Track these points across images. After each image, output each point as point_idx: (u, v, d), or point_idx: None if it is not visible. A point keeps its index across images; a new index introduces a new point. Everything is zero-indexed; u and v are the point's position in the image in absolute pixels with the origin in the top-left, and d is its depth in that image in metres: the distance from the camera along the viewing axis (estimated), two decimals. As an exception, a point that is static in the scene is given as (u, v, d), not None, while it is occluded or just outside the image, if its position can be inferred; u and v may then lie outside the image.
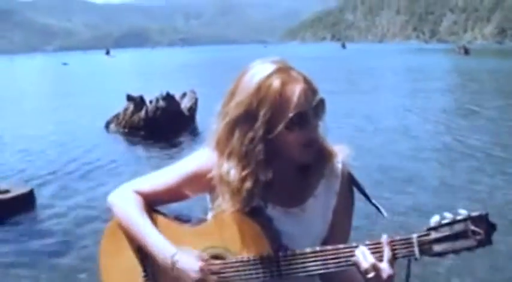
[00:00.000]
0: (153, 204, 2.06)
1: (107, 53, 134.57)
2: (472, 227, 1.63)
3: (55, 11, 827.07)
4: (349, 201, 2.02)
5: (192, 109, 18.62)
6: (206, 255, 1.89)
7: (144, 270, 2.01)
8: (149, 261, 1.98)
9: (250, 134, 1.79)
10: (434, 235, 1.68)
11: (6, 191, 9.09)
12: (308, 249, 1.80)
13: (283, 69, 1.82)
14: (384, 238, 1.74)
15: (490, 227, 1.65)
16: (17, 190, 9.20)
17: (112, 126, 17.91)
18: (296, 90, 1.79)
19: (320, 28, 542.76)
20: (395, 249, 1.73)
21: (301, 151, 1.84)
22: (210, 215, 2.01)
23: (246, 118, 1.80)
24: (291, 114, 1.76)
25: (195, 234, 1.94)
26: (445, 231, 1.66)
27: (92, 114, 21.17)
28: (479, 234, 1.63)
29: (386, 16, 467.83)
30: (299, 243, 1.87)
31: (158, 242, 1.92)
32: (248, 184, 1.83)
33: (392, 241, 1.73)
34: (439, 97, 25.42)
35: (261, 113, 1.77)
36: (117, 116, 17.96)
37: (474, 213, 1.65)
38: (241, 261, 1.85)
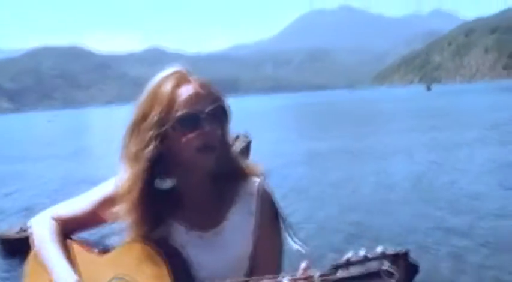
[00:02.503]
0: (71, 230, 2.00)
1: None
2: (386, 267, 1.42)
3: (146, 63, 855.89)
4: (272, 223, 1.88)
5: (243, 152, 19.49)
6: None
7: None
8: None
9: (142, 135, 1.75)
10: (340, 274, 1.47)
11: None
12: None
13: (180, 73, 1.81)
14: (281, 276, 1.57)
15: (411, 268, 1.44)
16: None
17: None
18: (187, 92, 1.75)
19: (408, 71, 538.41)
20: None
21: (196, 156, 1.75)
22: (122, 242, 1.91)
23: (141, 120, 1.77)
24: (177, 114, 1.72)
25: (104, 263, 1.87)
26: (355, 271, 1.45)
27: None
28: (393, 275, 1.41)
29: (474, 56, 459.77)
30: (213, 273, 1.79)
31: (61, 273, 1.86)
32: (134, 187, 1.77)
33: (293, 279, 1.53)
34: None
35: (152, 113, 1.74)
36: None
37: (390, 251, 1.44)
38: None
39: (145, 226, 1.80)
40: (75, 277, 1.84)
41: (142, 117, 1.76)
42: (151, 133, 1.73)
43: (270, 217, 1.88)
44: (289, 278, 1.54)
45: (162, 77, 1.80)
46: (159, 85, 1.78)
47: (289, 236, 1.83)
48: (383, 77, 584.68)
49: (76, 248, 1.96)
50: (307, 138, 27.99)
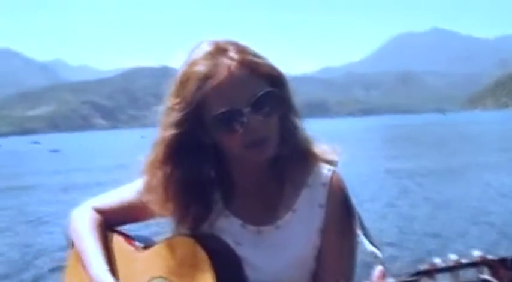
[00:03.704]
0: (113, 223, 1.80)
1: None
2: (486, 277, 1.09)
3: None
4: (344, 219, 1.58)
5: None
6: None
7: None
8: None
9: (171, 130, 1.52)
10: None
11: None
12: None
13: (215, 53, 1.49)
14: None
15: None
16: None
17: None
18: (221, 84, 1.44)
19: (503, 94, 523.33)
20: None
21: (245, 152, 1.50)
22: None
23: (169, 111, 1.53)
24: (212, 113, 1.46)
25: (144, 261, 1.67)
26: (443, 280, 1.11)
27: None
28: None
29: None
30: (271, 276, 1.56)
31: (97, 269, 1.65)
32: (155, 178, 1.57)
33: None
34: None
35: (183, 109, 1.49)
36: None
37: (492, 256, 1.10)
38: None
39: (183, 222, 1.61)
40: (109, 276, 1.62)
41: (172, 108, 1.52)
42: (182, 130, 1.49)
43: (342, 212, 1.60)
44: None
45: (192, 60, 1.50)
46: (187, 71, 1.49)
47: (363, 236, 1.52)
48: (475, 101, 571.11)
49: (117, 241, 1.78)
50: (391, 163, 27.46)
